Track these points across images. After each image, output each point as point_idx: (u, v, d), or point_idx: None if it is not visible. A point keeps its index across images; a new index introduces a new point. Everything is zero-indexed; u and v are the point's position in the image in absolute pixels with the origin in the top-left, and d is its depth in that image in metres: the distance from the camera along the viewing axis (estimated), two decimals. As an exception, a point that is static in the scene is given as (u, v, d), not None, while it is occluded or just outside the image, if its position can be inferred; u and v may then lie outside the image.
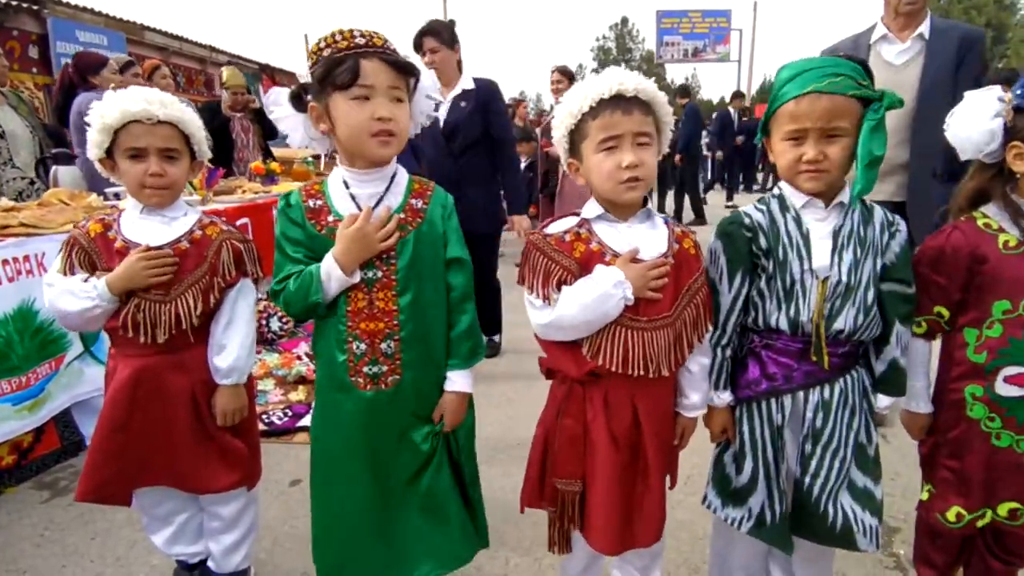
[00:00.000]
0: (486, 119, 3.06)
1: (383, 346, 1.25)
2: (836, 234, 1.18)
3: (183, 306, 1.38)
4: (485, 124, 3.08)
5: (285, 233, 1.27)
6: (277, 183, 4.75)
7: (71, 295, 1.34)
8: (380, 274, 1.23)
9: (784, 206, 1.22)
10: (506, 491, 1.96)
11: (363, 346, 1.25)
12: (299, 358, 3.28)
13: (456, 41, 2.87)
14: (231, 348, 1.44)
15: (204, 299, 1.40)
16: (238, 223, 3.49)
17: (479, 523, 1.42)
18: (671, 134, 1.24)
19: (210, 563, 1.62)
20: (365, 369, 1.26)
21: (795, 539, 1.31)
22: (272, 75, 13.92)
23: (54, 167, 3.14)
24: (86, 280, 1.35)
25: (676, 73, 43.42)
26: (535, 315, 1.21)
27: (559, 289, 1.16)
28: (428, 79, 1.30)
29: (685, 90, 8.90)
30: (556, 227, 1.23)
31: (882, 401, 1.29)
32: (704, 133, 13.71)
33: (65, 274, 1.37)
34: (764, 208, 1.24)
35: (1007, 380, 1.21)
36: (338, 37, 1.15)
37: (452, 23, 2.97)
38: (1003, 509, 1.27)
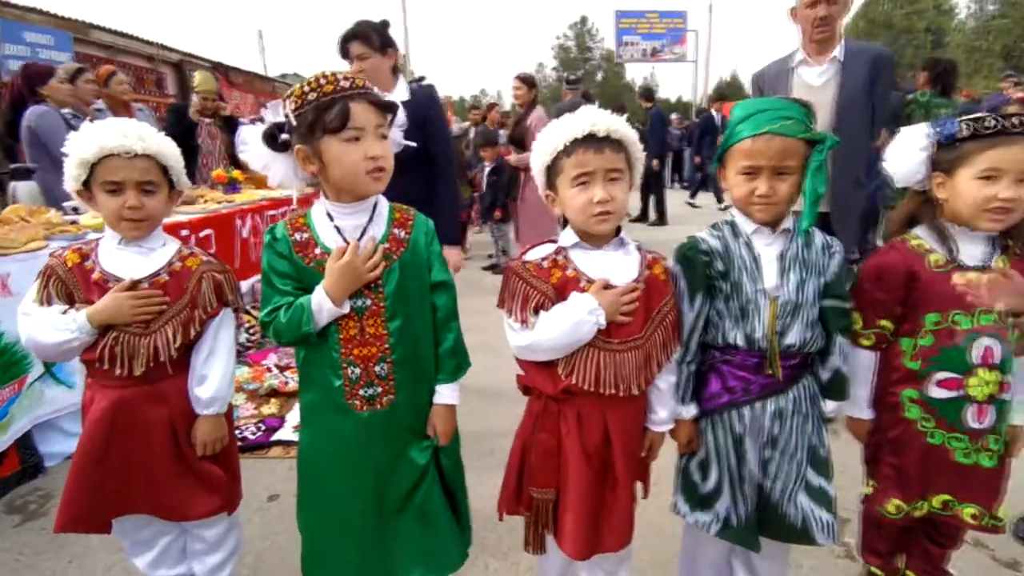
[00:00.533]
0: (424, 134, 2.46)
1: (377, 369, 1.30)
2: (782, 257, 1.29)
3: (162, 339, 1.39)
4: (423, 140, 2.49)
5: (273, 266, 1.30)
6: (240, 191, 4.67)
7: (50, 328, 1.33)
8: (369, 302, 1.28)
9: (736, 232, 1.32)
10: (483, 498, 2.02)
11: (357, 371, 1.30)
12: (269, 370, 3.27)
13: (389, 45, 2.50)
14: (212, 379, 1.45)
15: (184, 332, 1.41)
16: (201, 234, 3.46)
17: (464, 527, 1.49)
18: (642, 168, 1.32)
19: (194, 584, 1.64)
20: (361, 392, 1.31)
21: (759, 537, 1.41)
22: (226, 74, 13.55)
23: (12, 183, 3.04)
24: (64, 312, 1.35)
25: (635, 72, 44.11)
26: (514, 337, 1.28)
27: (536, 313, 1.23)
28: (401, 113, 1.35)
29: (649, 93, 9.03)
30: (534, 254, 1.31)
31: (828, 406, 1.41)
32: (679, 134, 13.99)
33: (42, 304, 1.36)
34: (718, 234, 1.34)
35: (939, 384, 1.35)
36: (323, 81, 1.19)
37: (384, 24, 2.58)
38: (937, 501, 1.40)
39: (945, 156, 1.30)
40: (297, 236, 1.30)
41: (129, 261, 1.41)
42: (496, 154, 6.08)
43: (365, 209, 1.31)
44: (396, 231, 1.33)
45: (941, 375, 1.34)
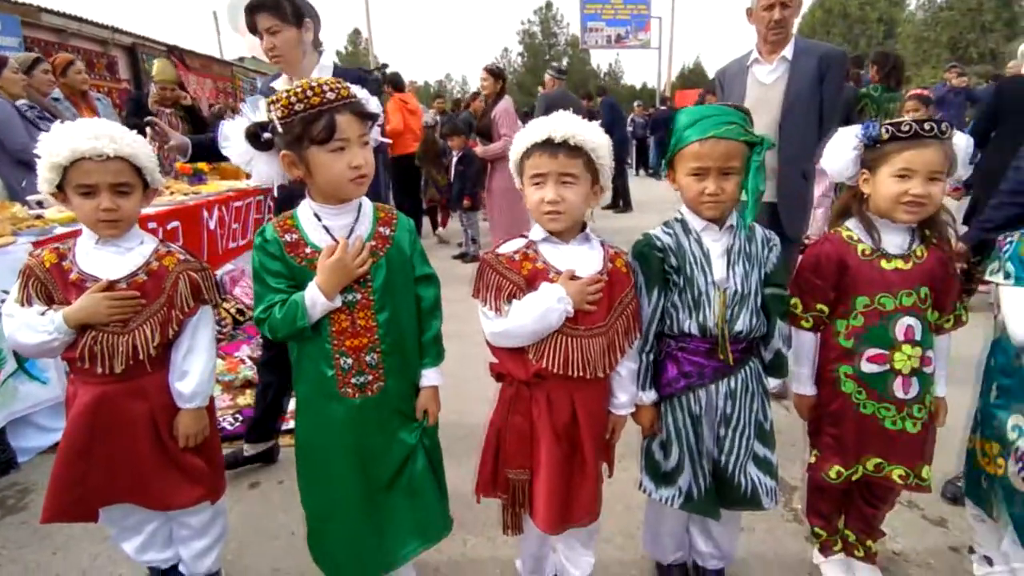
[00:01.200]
0: None
1: (367, 358, 1.39)
2: (729, 252, 1.42)
3: (140, 338, 1.42)
4: None
5: (265, 266, 1.36)
6: (205, 182, 4.62)
7: (29, 328, 1.37)
8: (359, 296, 1.36)
9: (687, 229, 1.45)
10: (460, 479, 2.12)
11: (349, 361, 1.38)
12: (243, 361, 3.29)
13: (306, 16, 2.12)
14: (193, 374, 1.49)
15: (162, 331, 1.45)
16: (168, 227, 3.43)
17: (445, 498, 1.60)
18: (610, 170, 1.40)
19: (181, 568, 1.70)
20: (352, 380, 1.39)
21: None
22: (182, 57, 13.13)
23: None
24: (43, 313, 1.37)
25: (600, 59, 44.23)
26: (488, 324, 1.38)
27: (509, 302, 1.33)
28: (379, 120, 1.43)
29: (601, 92, 9.28)
30: (507, 248, 1.40)
31: (771, 382, 1.56)
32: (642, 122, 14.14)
33: (23, 304, 1.39)
34: (671, 231, 1.46)
35: (868, 359, 1.50)
36: (309, 93, 1.24)
37: None
38: (870, 464, 1.56)
39: (870, 155, 1.45)
40: (287, 237, 1.36)
41: (106, 261, 1.43)
42: (463, 143, 6.13)
43: (351, 210, 1.39)
44: (381, 229, 1.42)
45: (870, 351, 1.50)
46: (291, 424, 2.62)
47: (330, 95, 1.25)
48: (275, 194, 1.72)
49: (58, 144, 1.33)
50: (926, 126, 1.38)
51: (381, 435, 1.44)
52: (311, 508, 1.48)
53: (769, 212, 2.82)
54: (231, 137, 1.36)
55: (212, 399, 1.60)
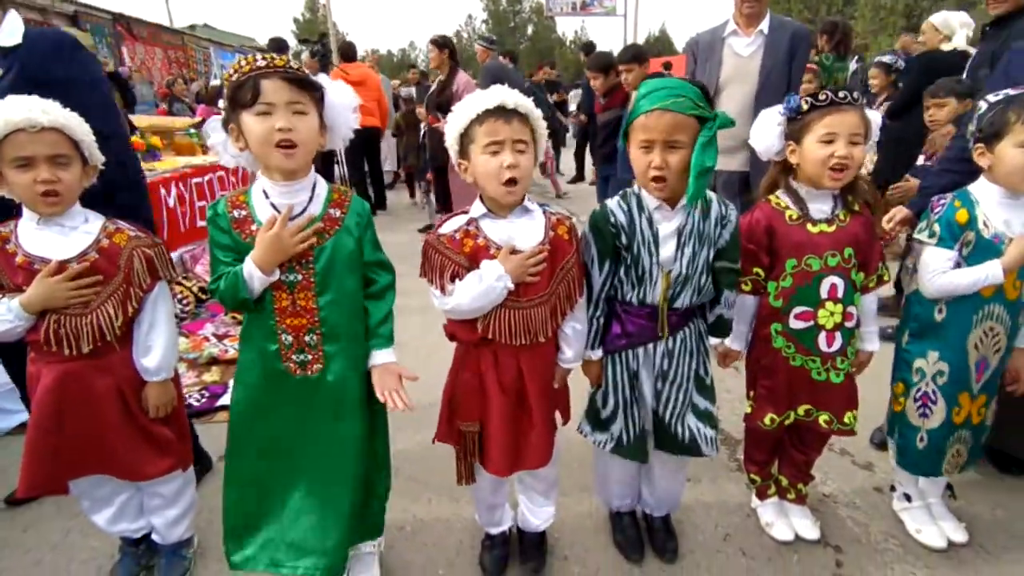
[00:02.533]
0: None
1: (307, 339, 1.42)
2: (680, 232, 1.47)
3: (103, 317, 1.43)
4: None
5: (215, 239, 1.40)
6: (160, 159, 4.52)
7: None
8: (300, 277, 1.38)
9: (640, 206, 1.49)
10: (425, 444, 2.21)
11: (290, 338, 1.42)
12: (207, 339, 3.30)
13: None
14: (156, 348, 1.52)
15: (123, 309, 1.46)
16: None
17: (374, 516, 1.64)
18: (545, 144, 1.47)
19: (155, 536, 1.76)
20: (294, 357, 1.43)
21: (657, 453, 1.67)
22: (128, 26, 12.52)
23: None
24: None
25: (566, 26, 43.63)
26: (437, 302, 1.45)
27: (453, 281, 1.40)
28: (343, 95, 1.42)
29: (589, 48, 8.97)
30: (448, 227, 1.45)
31: (713, 340, 1.67)
32: None
33: None
34: (625, 207, 1.49)
35: (796, 317, 1.63)
36: (243, 63, 1.28)
37: None
38: (801, 411, 1.71)
39: (794, 127, 1.55)
40: (235, 213, 1.38)
41: (52, 241, 1.41)
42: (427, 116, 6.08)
43: (302, 188, 1.39)
44: (332, 211, 1.42)
45: (798, 309, 1.62)
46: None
47: (260, 63, 1.28)
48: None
49: None
50: (840, 94, 1.48)
51: (318, 419, 1.46)
52: (230, 478, 1.53)
53: (741, 181, 2.95)
54: (211, 132, 1.38)
55: (177, 371, 1.64)
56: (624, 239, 1.49)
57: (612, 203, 1.52)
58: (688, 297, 1.51)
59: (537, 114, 1.40)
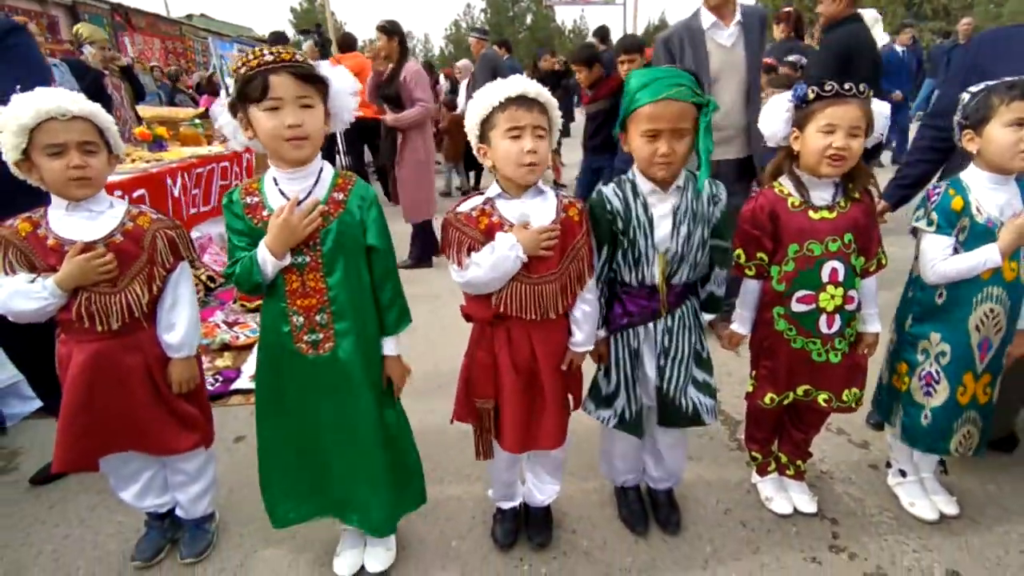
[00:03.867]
0: None
1: (318, 318, 1.48)
2: (675, 212, 1.54)
3: (132, 295, 1.51)
4: None
5: (230, 225, 1.46)
6: (167, 149, 4.55)
7: (24, 297, 1.43)
8: (308, 259, 1.44)
9: (635, 192, 1.55)
10: (439, 424, 2.29)
11: (301, 319, 1.48)
12: (218, 326, 3.36)
13: None
14: (179, 326, 1.59)
15: (148, 287, 1.54)
16: (135, 194, 3.43)
17: (409, 482, 1.71)
18: (559, 132, 1.53)
19: (178, 511, 1.83)
20: (306, 338, 1.49)
21: (660, 428, 1.74)
22: (127, 16, 12.49)
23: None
24: (33, 281, 1.43)
25: (565, 15, 43.40)
26: (455, 276, 1.51)
27: (470, 255, 1.46)
28: (344, 80, 1.47)
29: (604, 34, 8.83)
30: (466, 206, 1.52)
31: (705, 317, 1.73)
32: None
33: (6, 273, 1.44)
34: (620, 194, 1.56)
35: (799, 300, 1.69)
36: (250, 57, 1.33)
37: None
38: (800, 391, 1.77)
39: (800, 115, 1.60)
40: (248, 200, 1.45)
41: (80, 225, 1.49)
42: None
43: (308, 175, 1.45)
44: (336, 195, 1.47)
45: (800, 293, 1.68)
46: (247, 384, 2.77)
47: (267, 57, 1.32)
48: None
49: (22, 108, 1.37)
50: (846, 86, 1.53)
51: (332, 396, 1.52)
52: (262, 451, 1.62)
53: (736, 167, 3.02)
54: (219, 114, 1.43)
55: (199, 352, 1.71)
56: (620, 224, 1.55)
57: (608, 190, 1.59)
58: (686, 274, 1.58)
59: (554, 103, 1.46)
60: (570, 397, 1.70)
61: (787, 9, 5.36)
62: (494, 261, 1.43)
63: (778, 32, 5.19)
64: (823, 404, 1.76)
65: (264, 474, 1.64)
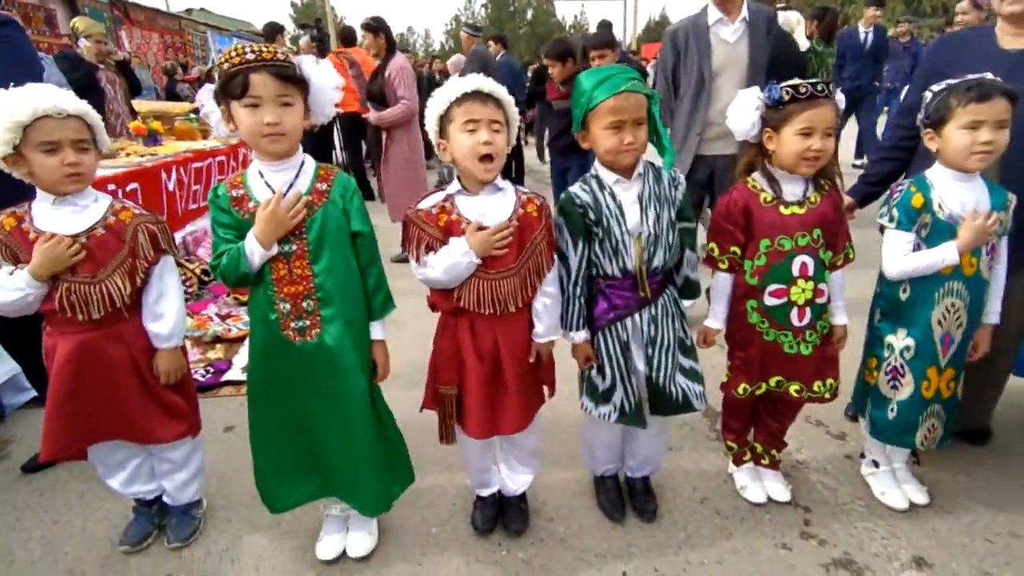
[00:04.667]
0: None
1: (304, 305, 1.52)
2: (641, 198, 1.59)
3: (113, 287, 1.54)
4: None
5: (216, 219, 1.50)
6: (161, 143, 4.58)
7: (2, 289, 1.46)
8: (295, 247, 1.49)
9: (601, 185, 1.61)
10: (420, 416, 2.33)
11: (288, 306, 1.52)
12: (211, 319, 3.40)
13: None
14: (167, 316, 1.63)
15: (131, 279, 1.57)
16: (128, 188, 3.46)
17: (397, 463, 1.76)
18: (517, 128, 1.58)
19: (165, 498, 1.87)
20: (292, 324, 1.53)
21: (650, 417, 1.77)
22: (125, 10, 12.48)
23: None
24: (11, 274, 1.47)
25: (566, 11, 43.28)
26: (415, 271, 1.57)
27: (428, 252, 1.52)
28: (326, 77, 1.51)
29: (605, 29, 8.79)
30: (426, 203, 1.56)
31: (685, 303, 1.77)
32: None
33: None
34: (588, 188, 1.61)
35: (770, 294, 1.73)
36: (233, 54, 1.38)
37: None
38: (772, 381, 1.81)
39: (773, 116, 1.63)
40: (234, 193, 1.49)
41: (63, 219, 1.52)
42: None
43: (291, 167, 1.50)
44: (319, 185, 1.52)
45: (772, 287, 1.72)
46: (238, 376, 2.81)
47: (249, 56, 1.37)
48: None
49: (18, 104, 1.40)
50: (819, 87, 1.57)
51: (321, 381, 1.56)
52: (255, 438, 1.67)
53: (734, 163, 3.05)
54: (205, 101, 1.48)
55: (185, 345, 1.75)
56: (592, 215, 1.60)
57: (575, 188, 1.64)
58: (662, 256, 1.62)
59: (509, 100, 1.51)
60: (545, 387, 1.74)
61: (824, 6, 5.30)
62: (447, 265, 1.49)
63: (811, 28, 5.08)
64: (795, 395, 1.80)
65: (258, 462, 1.68)
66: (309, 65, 1.49)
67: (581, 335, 1.69)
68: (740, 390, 1.83)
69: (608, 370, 1.71)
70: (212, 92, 1.45)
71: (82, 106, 1.50)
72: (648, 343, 1.68)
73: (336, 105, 1.57)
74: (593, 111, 1.54)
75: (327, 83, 1.52)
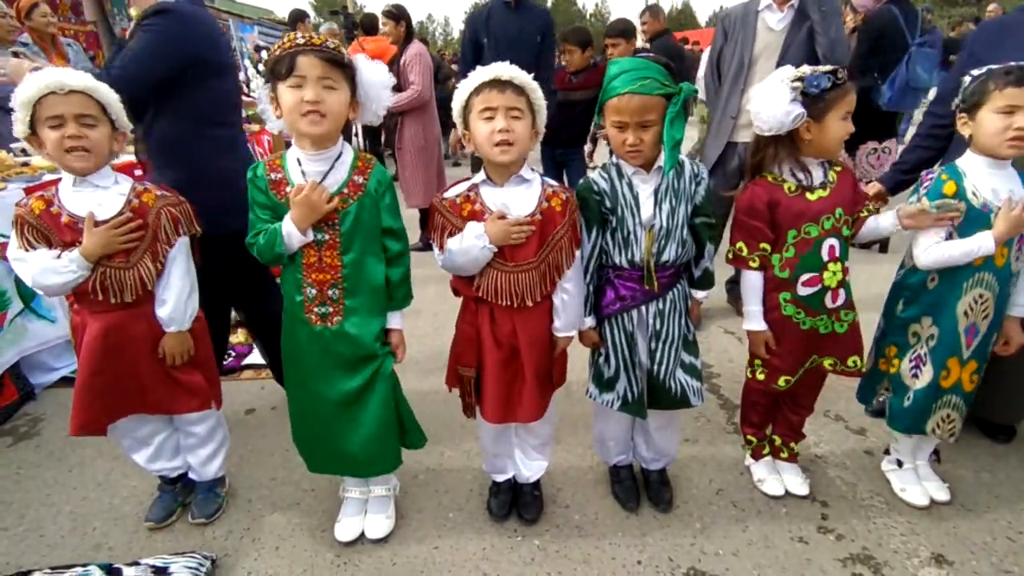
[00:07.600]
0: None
1: (329, 292, 1.55)
2: (656, 192, 1.58)
3: (144, 269, 1.58)
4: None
5: (254, 198, 1.53)
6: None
7: (52, 272, 1.50)
8: (327, 237, 1.51)
9: (620, 174, 1.59)
10: (439, 402, 2.36)
11: (314, 291, 1.55)
12: (232, 304, 3.45)
13: None
14: (169, 301, 1.65)
15: (155, 262, 1.61)
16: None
17: (409, 432, 1.77)
18: (545, 114, 1.54)
19: (190, 474, 1.92)
20: (316, 309, 1.56)
21: (651, 411, 1.77)
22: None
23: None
24: (58, 256, 1.50)
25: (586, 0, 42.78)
26: (437, 258, 1.59)
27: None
28: (376, 73, 1.51)
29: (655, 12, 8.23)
30: (452, 192, 1.57)
31: (699, 294, 1.75)
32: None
33: (26, 250, 1.51)
34: (607, 176, 1.60)
35: (804, 284, 1.70)
36: (285, 41, 1.40)
37: None
38: (808, 363, 1.79)
39: (817, 105, 1.59)
40: (272, 175, 1.52)
41: (89, 202, 1.55)
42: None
43: (328, 158, 1.51)
44: (356, 177, 1.53)
45: (805, 276, 1.69)
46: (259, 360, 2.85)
47: (300, 41, 1.40)
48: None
49: (26, 85, 1.46)
50: (847, 74, 1.56)
51: (339, 363, 1.60)
52: (292, 403, 1.72)
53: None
54: (260, 98, 1.50)
55: (206, 323, 1.79)
56: (608, 203, 1.60)
57: (594, 175, 1.64)
58: (672, 251, 1.61)
59: (534, 86, 1.49)
60: (553, 375, 1.74)
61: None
62: (461, 248, 1.49)
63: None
64: (828, 368, 1.79)
65: (294, 424, 1.74)
66: (362, 60, 1.51)
67: (588, 321, 1.70)
68: (781, 383, 1.79)
69: (613, 359, 1.71)
70: (263, 84, 1.47)
71: (90, 83, 1.51)
72: (653, 337, 1.68)
73: None
74: (606, 104, 1.54)
75: (377, 80, 1.52)
